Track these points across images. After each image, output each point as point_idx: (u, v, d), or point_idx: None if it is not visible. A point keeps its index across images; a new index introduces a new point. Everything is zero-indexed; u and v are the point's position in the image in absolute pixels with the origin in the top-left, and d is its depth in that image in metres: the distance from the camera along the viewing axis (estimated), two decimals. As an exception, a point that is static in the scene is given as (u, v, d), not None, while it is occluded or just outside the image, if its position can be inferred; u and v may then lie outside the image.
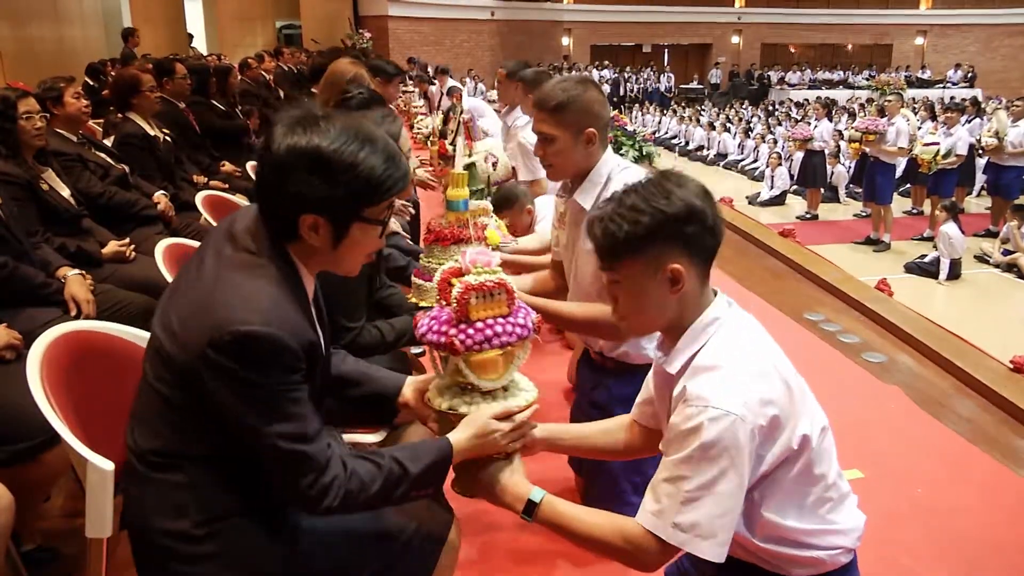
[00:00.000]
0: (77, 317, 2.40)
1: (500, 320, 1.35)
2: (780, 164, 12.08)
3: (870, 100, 17.52)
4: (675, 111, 20.64)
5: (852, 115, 15.08)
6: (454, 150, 4.15)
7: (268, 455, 1.19)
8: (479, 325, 1.34)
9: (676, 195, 1.22)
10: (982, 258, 8.65)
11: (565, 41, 25.57)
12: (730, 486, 1.16)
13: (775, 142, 14.20)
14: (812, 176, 10.84)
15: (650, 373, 1.46)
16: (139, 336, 1.74)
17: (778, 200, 11.86)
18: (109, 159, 3.59)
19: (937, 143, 9.01)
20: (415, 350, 2.42)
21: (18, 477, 1.79)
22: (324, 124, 1.20)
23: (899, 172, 9.96)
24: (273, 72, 8.48)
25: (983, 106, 14.95)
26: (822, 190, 11.13)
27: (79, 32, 11.05)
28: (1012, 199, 9.21)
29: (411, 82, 10.34)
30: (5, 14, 9.15)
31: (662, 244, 1.22)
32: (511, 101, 4.41)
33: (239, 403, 1.16)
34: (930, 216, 9.22)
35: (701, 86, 26.86)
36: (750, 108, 20.42)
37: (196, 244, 2.52)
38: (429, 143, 5.18)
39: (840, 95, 20.86)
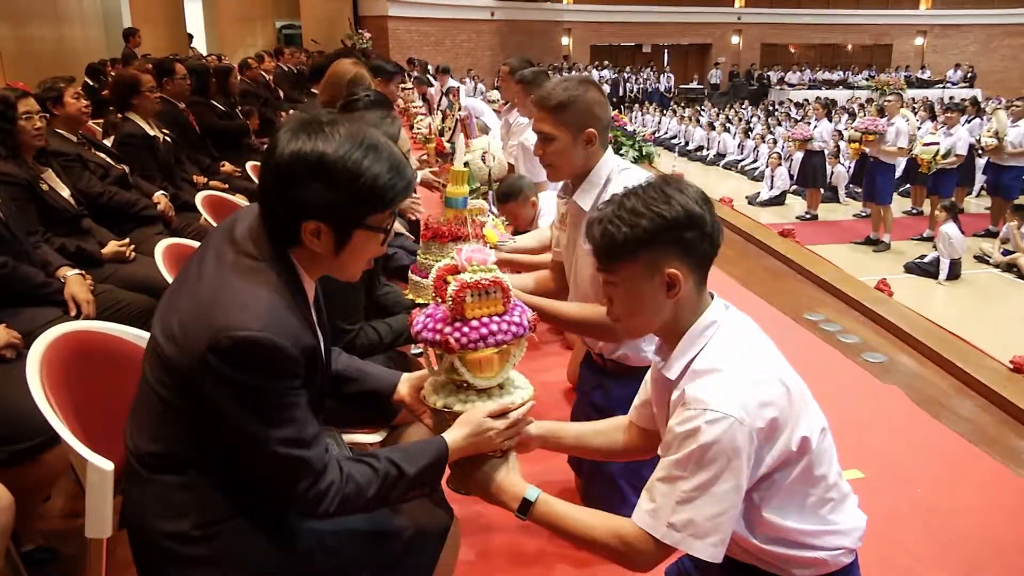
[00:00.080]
0: (77, 317, 2.40)
1: (495, 318, 1.35)
2: (780, 164, 12.09)
3: (870, 100, 17.55)
4: (675, 111, 20.65)
5: (852, 115, 15.09)
6: (452, 148, 4.16)
7: (266, 460, 1.19)
8: (474, 323, 1.34)
9: (676, 200, 1.22)
10: (982, 258, 8.66)
11: (565, 41, 25.58)
12: (727, 487, 1.16)
13: (775, 142, 14.21)
14: (812, 176, 10.85)
15: (648, 375, 1.46)
16: (139, 336, 1.74)
17: (778, 200, 11.86)
18: (109, 159, 3.59)
19: (937, 143, 9.01)
20: (414, 350, 2.42)
21: (18, 477, 1.79)
22: (329, 130, 1.19)
23: (899, 172, 9.97)
24: (273, 72, 8.48)
25: (983, 106, 14.95)
26: (822, 190, 11.14)
27: (79, 32, 11.05)
28: (1012, 199, 9.22)
29: (410, 82, 10.34)
30: (5, 14, 9.14)
31: (660, 248, 1.22)
32: (513, 98, 4.41)
33: (238, 408, 1.16)
34: (930, 216, 9.22)
35: (701, 86, 26.86)
36: (750, 108, 20.43)
37: (196, 244, 2.52)
38: (427, 143, 5.18)
39: (840, 95, 20.85)
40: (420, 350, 1.89)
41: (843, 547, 1.30)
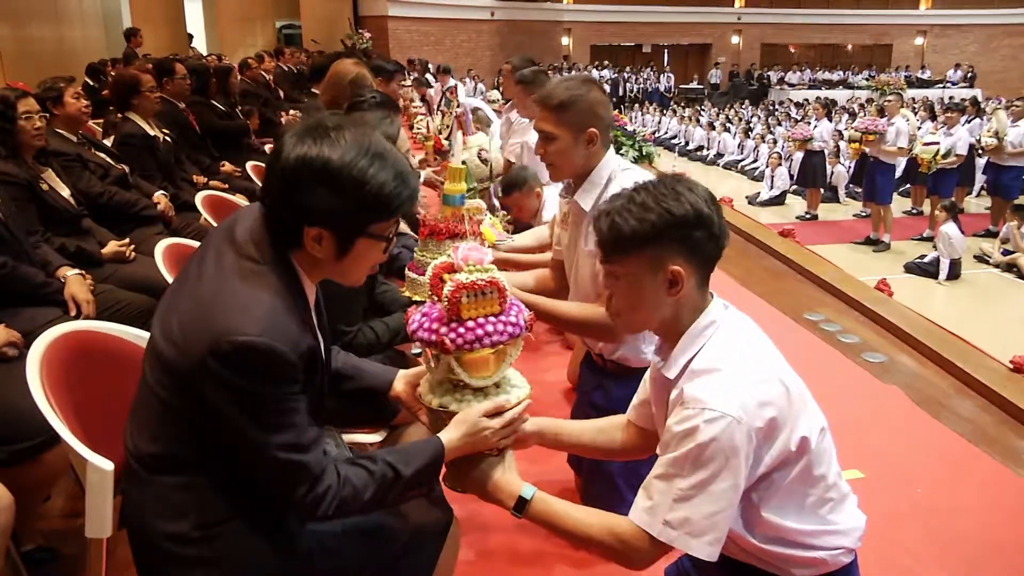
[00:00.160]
0: (77, 317, 2.40)
1: (491, 319, 1.35)
2: (780, 164, 12.09)
3: (870, 100, 17.54)
4: (675, 111, 20.65)
5: (852, 115, 15.09)
6: (450, 145, 4.16)
7: (265, 464, 1.19)
8: (470, 324, 1.33)
9: (686, 198, 1.22)
10: (982, 258, 8.66)
11: (565, 41, 25.57)
12: (724, 486, 1.16)
13: (775, 142, 14.21)
14: (812, 176, 10.84)
15: (647, 375, 1.46)
16: (139, 336, 1.74)
17: (778, 200, 11.86)
18: (109, 159, 3.59)
19: (937, 143, 9.01)
20: (415, 350, 2.42)
21: (18, 477, 1.79)
22: (336, 135, 1.18)
23: (899, 172, 9.97)
24: (273, 72, 8.48)
25: (983, 106, 14.95)
26: (822, 190, 11.14)
27: (79, 32, 11.04)
28: (1012, 199, 9.22)
29: (409, 83, 10.34)
30: (5, 14, 9.14)
31: (666, 245, 1.22)
32: (514, 97, 4.41)
33: (237, 412, 1.16)
34: (930, 216, 9.22)
35: (701, 86, 26.85)
36: (750, 108, 20.42)
37: (196, 244, 2.52)
38: (426, 141, 5.18)
39: (840, 95, 20.85)
40: (420, 350, 1.89)
41: (842, 547, 1.30)
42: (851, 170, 11.33)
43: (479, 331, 1.33)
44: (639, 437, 1.51)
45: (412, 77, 11.41)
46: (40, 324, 2.09)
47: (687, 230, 1.22)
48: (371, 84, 3.00)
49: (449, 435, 1.35)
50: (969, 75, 24.14)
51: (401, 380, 1.59)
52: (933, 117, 12.02)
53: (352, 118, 1.46)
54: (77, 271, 2.57)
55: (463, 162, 3.05)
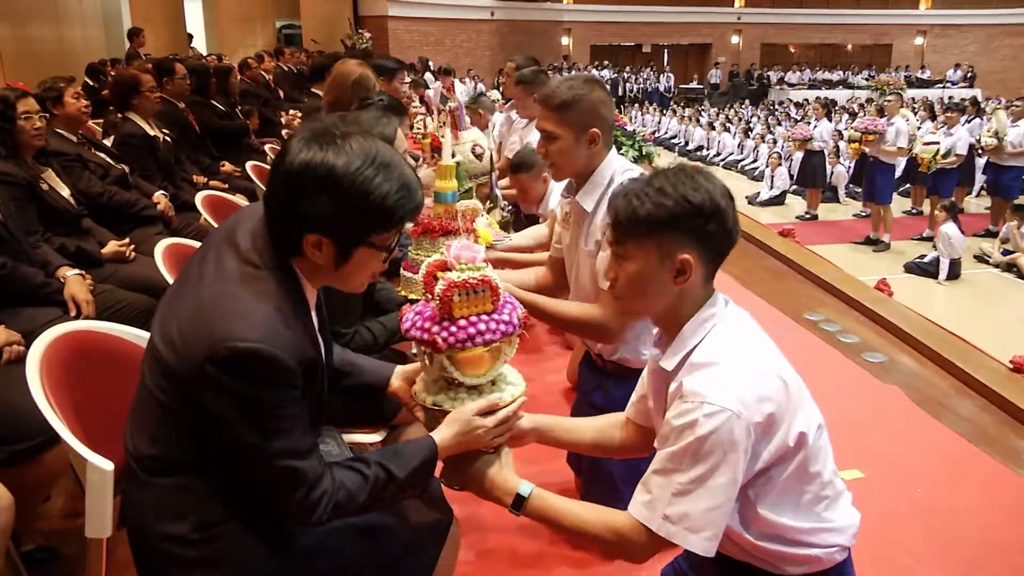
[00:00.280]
0: (77, 317, 2.40)
1: (484, 317, 1.34)
2: (780, 164, 12.08)
3: (870, 100, 17.52)
4: (675, 111, 20.64)
5: (852, 115, 15.08)
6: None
7: (262, 469, 1.19)
8: (462, 323, 1.32)
9: (704, 188, 1.22)
10: (982, 258, 8.65)
11: (565, 41, 25.56)
12: (723, 481, 1.16)
13: (775, 142, 14.20)
14: (812, 176, 10.84)
15: (645, 370, 1.46)
16: (139, 336, 1.74)
17: (778, 200, 11.86)
18: (109, 159, 3.59)
19: (937, 143, 9.01)
20: (413, 351, 2.41)
21: (18, 477, 1.79)
22: (341, 142, 1.18)
23: (899, 172, 9.97)
24: (273, 72, 8.47)
25: (983, 106, 14.95)
26: (822, 190, 11.13)
27: (79, 32, 11.05)
28: (1012, 199, 9.21)
29: (409, 77, 10.33)
30: (5, 14, 9.14)
31: (679, 232, 1.22)
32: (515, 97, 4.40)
33: (236, 417, 1.16)
34: (930, 216, 9.21)
35: (701, 86, 26.83)
36: (750, 108, 20.42)
37: (196, 244, 2.52)
38: (424, 139, 5.17)
39: (840, 95, 20.85)
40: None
41: (837, 544, 1.30)
42: (851, 170, 11.33)
43: (471, 329, 1.32)
44: (638, 435, 1.51)
45: (410, 79, 11.40)
46: (40, 324, 2.09)
47: (701, 220, 1.22)
48: (375, 85, 2.99)
49: (442, 434, 1.35)
50: (969, 75, 24.14)
51: (398, 376, 1.59)
52: (933, 117, 12.01)
53: (348, 119, 1.46)
54: (77, 271, 2.57)
55: (453, 155, 3.03)
